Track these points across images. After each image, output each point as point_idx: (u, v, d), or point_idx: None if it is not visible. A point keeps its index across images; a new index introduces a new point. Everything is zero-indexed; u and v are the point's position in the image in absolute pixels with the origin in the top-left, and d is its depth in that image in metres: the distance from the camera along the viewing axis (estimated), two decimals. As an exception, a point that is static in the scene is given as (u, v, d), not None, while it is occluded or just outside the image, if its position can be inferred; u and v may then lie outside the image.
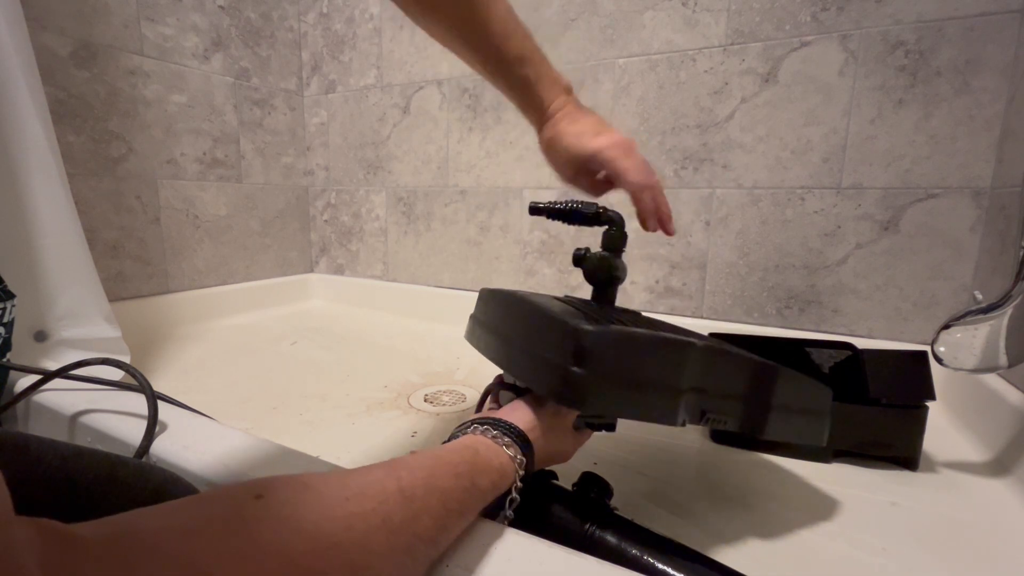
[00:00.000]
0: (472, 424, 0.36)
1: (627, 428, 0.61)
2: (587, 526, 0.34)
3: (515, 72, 0.45)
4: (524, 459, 0.34)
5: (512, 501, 0.33)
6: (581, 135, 0.45)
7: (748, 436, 0.51)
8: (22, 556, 0.13)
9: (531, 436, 0.35)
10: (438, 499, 0.27)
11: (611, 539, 0.33)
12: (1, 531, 0.13)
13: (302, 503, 0.22)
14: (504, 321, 0.44)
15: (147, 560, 0.16)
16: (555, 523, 0.35)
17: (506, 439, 0.34)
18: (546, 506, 0.37)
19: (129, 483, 0.33)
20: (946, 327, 0.50)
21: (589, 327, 0.33)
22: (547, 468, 0.40)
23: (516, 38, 0.44)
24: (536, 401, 0.39)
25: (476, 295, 0.51)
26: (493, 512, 0.33)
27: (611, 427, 0.42)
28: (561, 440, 0.39)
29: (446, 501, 0.28)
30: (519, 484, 0.33)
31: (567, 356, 0.33)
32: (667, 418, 0.34)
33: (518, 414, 0.37)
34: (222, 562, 0.18)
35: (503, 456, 0.33)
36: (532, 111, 0.48)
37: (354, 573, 0.21)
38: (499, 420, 0.36)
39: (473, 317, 0.49)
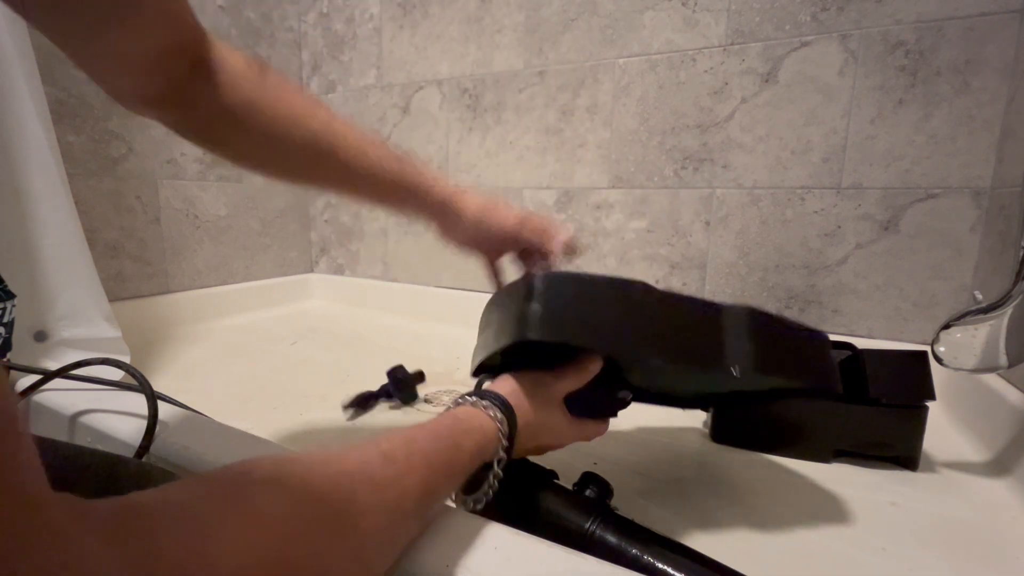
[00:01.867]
0: (453, 404, 0.37)
1: (627, 429, 0.61)
2: (588, 526, 0.34)
3: (397, 192, 0.47)
4: (505, 420, 0.35)
5: (500, 461, 0.34)
6: (494, 213, 0.50)
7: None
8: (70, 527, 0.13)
9: (512, 400, 0.37)
10: (421, 459, 0.28)
11: (612, 539, 0.33)
12: (39, 509, 0.13)
13: (288, 470, 0.23)
14: (491, 311, 0.46)
15: (150, 521, 0.17)
16: (556, 522, 0.35)
17: (484, 402, 0.35)
18: (547, 505, 0.37)
19: (129, 483, 0.33)
20: (946, 327, 0.50)
21: (541, 272, 0.38)
22: (548, 469, 0.40)
23: (381, 163, 0.46)
24: (516, 375, 0.40)
25: (476, 295, 0.51)
26: (480, 482, 0.33)
27: (603, 406, 0.42)
28: (548, 411, 0.39)
29: (430, 461, 0.29)
30: (504, 451, 0.34)
31: (524, 299, 0.37)
32: (618, 344, 0.37)
33: (498, 383, 0.39)
34: (219, 519, 0.19)
35: (483, 418, 0.34)
36: (424, 207, 0.49)
37: (343, 525, 0.23)
38: (478, 391, 0.37)
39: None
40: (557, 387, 0.40)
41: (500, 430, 0.34)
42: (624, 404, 0.46)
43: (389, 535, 0.26)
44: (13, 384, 0.55)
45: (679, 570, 0.31)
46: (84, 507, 0.15)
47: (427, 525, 0.30)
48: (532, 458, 0.42)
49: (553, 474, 0.40)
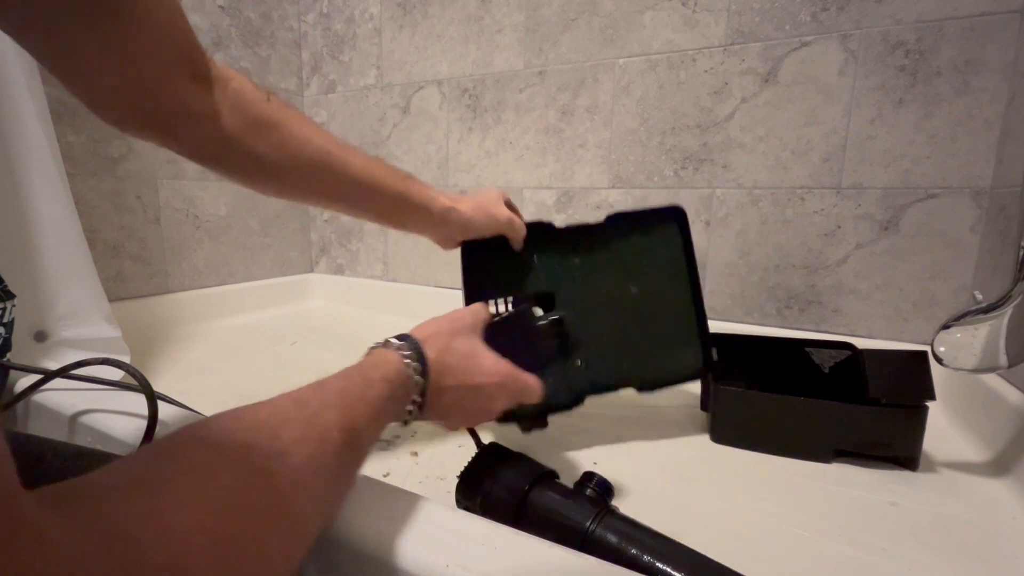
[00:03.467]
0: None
1: (627, 429, 0.61)
2: (589, 524, 0.34)
3: (404, 207, 0.50)
4: (412, 352, 0.36)
5: (417, 384, 0.36)
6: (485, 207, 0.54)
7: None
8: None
9: (419, 335, 0.39)
10: (334, 395, 0.30)
11: (612, 538, 0.33)
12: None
13: (210, 429, 0.24)
14: None
15: (95, 497, 0.18)
16: (557, 521, 0.36)
17: (387, 341, 0.38)
18: (547, 504, 0.37)
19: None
20: (946, 327, 0.50)
21: None
22: (548, 468, 0.40)
23: (386, 181, 0.49)
24: (437, 316, 0.44)
25: None
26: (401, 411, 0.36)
27: (532, 349, 0.44)
28: (464, 339, 0.41)
29: (343, 395, 0.30)
30: (418, 382, 0.36)
31: None
32: None
33: (417, 327, 0.42)
34: (160, 483, 0.20)
35: (388, 353, 0.36)
36: (430, 221, 0.52)
37: (274, 463, 0.24)
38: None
39: None
40: (472, 318, 0.44)
41: (408, 363, 0.36)
42: (552, 341, 0.46)
43: (321, 464, 0.26)
44: (13, 384, 0.55)
45: (679, 570, 0.31)
46: (42, 493, 0.16)
47: (362, 461, 0.31)
48: (531, 455, 0.42)
49: (554, 473, 0.40)
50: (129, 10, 0.30)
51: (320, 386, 0.30)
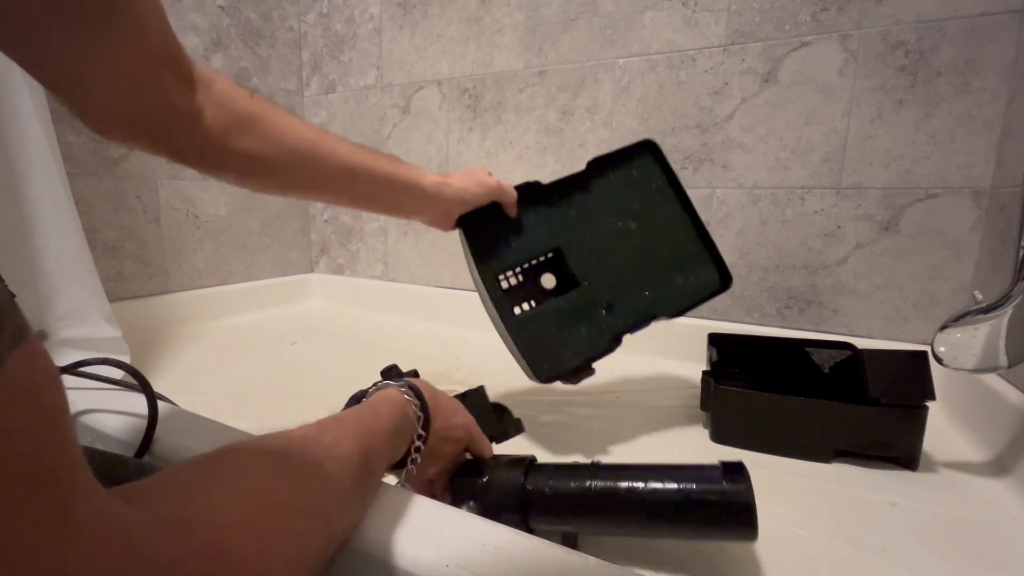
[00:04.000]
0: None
1: (627, 429, 0.61)
2: (588, 484, 0.37)
3: (394, 188, 0.51)
4: (412, 392, 0.38)
5: (420, 436, 0.37)
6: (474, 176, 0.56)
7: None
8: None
9: (418, 386, 0.40)
10: (350, 425, 0.32)
11: (611, 482, 0.37)
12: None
13: (253, 446, 0.27)
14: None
15: (156, 492, 0.22)
16: (557, 495, 0.38)
17: (387, 381, 0.40)
18: (544, 487, 0.38)
19: (129, 483, 0.33)
20: (946, 327, 0.50)
21: None
22: (529, 455, 0.42)
23: (376, 163, 0.50)
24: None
25: (476, 296, 0.53)
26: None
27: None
28: (442, 398, 0.43)
29: (358, 425, 0.33)
30: (420, 421, 0.37)
31: None
32: None
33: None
34: (203, 487, 0.23)
35: (391, 391, 0.38)
36: (421, 199, 0.53)
37: (304, 476, 0.27)
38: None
39: None
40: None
41: (410, 401, 0.38)
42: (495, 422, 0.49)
43: (343, 484, 0.29)
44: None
45: (622, 479, 0.36)
46: (120, 491, 0.19)
47: (375, 488, 0.33)
48: (531, 455, 0.42)
49: (533, 458, 0.42)
50: (113, 12, 0.30)
51: (335, 418, 0.33)
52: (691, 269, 0.61)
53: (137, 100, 0.35)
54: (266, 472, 0.25)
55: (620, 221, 0.61)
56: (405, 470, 0.37)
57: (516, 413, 0.49)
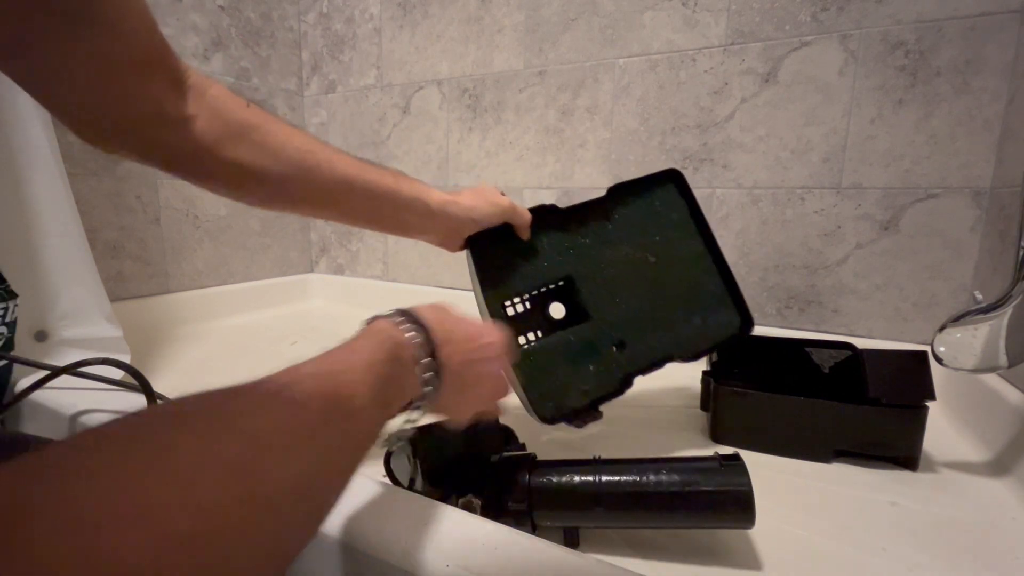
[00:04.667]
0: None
1: (626, 429, 0.61)
2: (595, 478, 0.38)
3: (396, 202, 0.48)
4: (403, 317, 0.33)
5: (417, 345, 0.32)
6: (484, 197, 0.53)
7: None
8: None
9: (416, 311, 0.34)
10: (312, 366, 0.28)
11: (615, 476, 0.39)
12: None
13: (181, 399, 0.23)
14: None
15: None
16: (562, 490, 0.39)
17: (376, 315, 0.34)
18: (549, 483, 0.39)
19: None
20: (946, 327, 0.50)
21: None
22: (530, 453, 0.42)
23: (381, 178, 0.47)
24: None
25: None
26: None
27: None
28: (460, 321, 0.37)
29: (318, 367, 0.29)
30: (415, 335, 0.32)
31: None
32: None
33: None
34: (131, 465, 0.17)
35: (377, 321, 0.33)
36: (425, 215, 0.50)
37: (235, 416, 0.22)
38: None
39: None
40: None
41: (403, 332, 0.32)
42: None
43: (283, 432, 0.23)
44: (15, 384, 0.55)
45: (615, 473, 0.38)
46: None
47: (360, 440, 0.27)
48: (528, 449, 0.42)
49: (512, 434, 0.42)
50: (99, 16, 0.30)
51: (294, 365, 0.28)
52: (710, 309, 0.57)
53: (122, 106, 0.34)
54: (162, 430, 0.20)
55: (638, 253, 0.57)
56: (421, 403, 0.32)
57: (516, 421, 0.49)
